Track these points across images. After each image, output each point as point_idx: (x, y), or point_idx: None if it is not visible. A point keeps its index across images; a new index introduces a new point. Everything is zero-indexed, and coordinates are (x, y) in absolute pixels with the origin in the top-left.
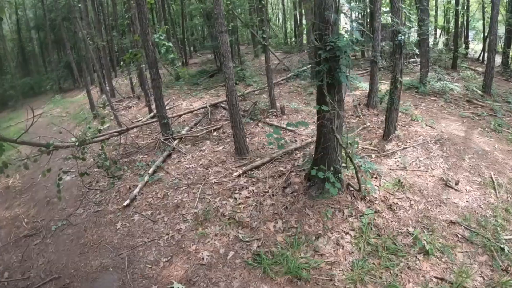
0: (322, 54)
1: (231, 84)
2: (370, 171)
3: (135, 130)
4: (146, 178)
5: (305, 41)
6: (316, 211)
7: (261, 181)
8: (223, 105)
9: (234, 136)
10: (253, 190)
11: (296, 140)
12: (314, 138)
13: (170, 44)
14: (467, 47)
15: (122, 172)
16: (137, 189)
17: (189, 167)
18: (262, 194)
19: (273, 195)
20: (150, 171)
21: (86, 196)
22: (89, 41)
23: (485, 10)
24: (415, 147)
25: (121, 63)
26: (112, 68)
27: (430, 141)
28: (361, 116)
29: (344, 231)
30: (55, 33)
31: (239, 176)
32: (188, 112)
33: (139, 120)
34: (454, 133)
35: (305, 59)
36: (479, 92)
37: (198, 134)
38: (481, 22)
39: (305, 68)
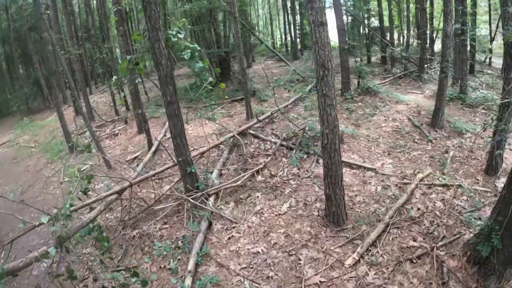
0: None
1: (332, 118)
2: None
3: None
4: (188, 283)
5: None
6: None
7: (397, 271)
8: (252, 131)
9: (328, 197)
10: None
11: (400, 188)
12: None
13: (196, 46)
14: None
15: (135, 263)
16: None
17: (256, 250)
18: None
19: None
20: (191, 266)
21: None
22: (60, 52)
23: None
24: None
25: (113, 78)
26: (86, 83)
27: None
28: (434, 141)
29: None
30: (21, 46)
31: (355, 264)
32: (213, 147)
33: (136, 157)
34: None
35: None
36: None
37: (239, 183)
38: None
39: None
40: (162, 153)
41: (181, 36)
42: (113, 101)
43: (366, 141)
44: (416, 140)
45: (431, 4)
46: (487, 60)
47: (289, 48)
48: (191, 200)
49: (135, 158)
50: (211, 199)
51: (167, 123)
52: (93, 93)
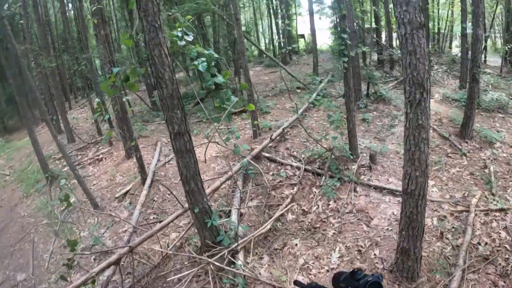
0: None
1: (424, 156)
2: None
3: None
4: None
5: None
6: None
7: None
8: (266, 154)
9: (405, 251)
10: None
11: (457, 218)
12: None
13: (212, 52)
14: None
15: None
16: None
17: None
18: None
19: None
20: None
21: None
22: (33, 65)
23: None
24: None
25: (97, 101)
26: (65, 98)
27: None
28: (468, 154)
29: None
30: None
31: None
32: (227, 180)
33: (128, 191)
34: None
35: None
36: None
37: (269, 227)
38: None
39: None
40: (159, 185)
41: (189, 38)
42: (96, 122)
43: (397, 159)
44: (449, 154)
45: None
46: (483, 58)
47: (277, 53)
48: (215, 263)
49: (126, 192)
50: (240, 256)
51: (159, 144)
52: (73, 107)
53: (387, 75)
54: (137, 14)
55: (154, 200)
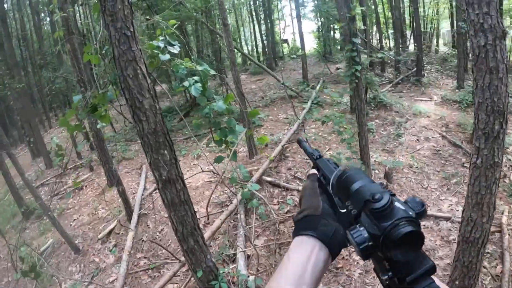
0: None
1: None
2: None
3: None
4: None
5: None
6: None
7: None
8: (267, 177)
9: None
10: None
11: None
12: None
13: (207, 68)
14: None
15: None
16: None
17: None
18: None
19: None
20: None
21: None
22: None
23: None
24: None
25: (54, 141)
26: (46, 116)
27: None
28: None
29: None
30: None
31: None
32: (228, 217)
33: (112, 230)
34: None
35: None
36: None
37: None
38: None
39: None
40: (148, 220)
41: (175, 50)
42: (73, 142)
43: (412, 174)
44: (466, 165)
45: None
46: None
47: (261, 60)
48: None
49: (110, 232)
50: None
51: (144, 168)
52: (53, 126)
53: (380, 78)
54: (102, 19)
55: (143, 240)
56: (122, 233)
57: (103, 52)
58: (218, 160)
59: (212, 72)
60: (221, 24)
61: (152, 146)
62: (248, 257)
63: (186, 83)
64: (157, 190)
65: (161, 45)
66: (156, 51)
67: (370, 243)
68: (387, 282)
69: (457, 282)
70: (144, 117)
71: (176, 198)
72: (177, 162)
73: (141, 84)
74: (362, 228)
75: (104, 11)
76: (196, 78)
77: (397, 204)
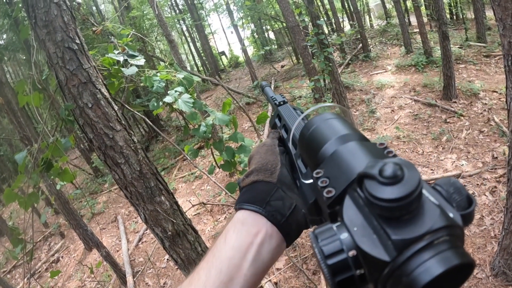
0: None
1: None
2: None
3: None
4: None
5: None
6: None
7: None
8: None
9: None
10: None
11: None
12: None
13: (189, 74)
14: None
15: None
16: None
17: None
18: None
19: None
20: None
21: None
22: None
23: None
24: None
25: (10, 225)
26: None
27: None
28: (465, 114)
29: None
30: None
31: None
32: None
33: None
34: None
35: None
36: None
37: None
38: None
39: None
40: (145, 277)
41: (140, 62)
42: (33, 213)
43: (403, 144)
44: (448, 120)
45: None
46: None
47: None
48: None
49: None
50: None
51: (119, 219)
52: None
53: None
54: (32, 32)
55: None
56: None
57: (42, 80)
58: (211, 171)
59: (197, 78)
60: (167, 41)
61: (142, 195)
62: (275, 284)
63: (168, 99)
64: (143, 240)
65: (121, 58)
66: (116, 67)
67: (357, 272)
68: None
69: None
70: (121, 158)
71: (193, 253)
72: (179, 207)
73: (106, 113)
74: (343, 234)
75: (35, 22)
76: (179, 88)
77: (425, 192)
